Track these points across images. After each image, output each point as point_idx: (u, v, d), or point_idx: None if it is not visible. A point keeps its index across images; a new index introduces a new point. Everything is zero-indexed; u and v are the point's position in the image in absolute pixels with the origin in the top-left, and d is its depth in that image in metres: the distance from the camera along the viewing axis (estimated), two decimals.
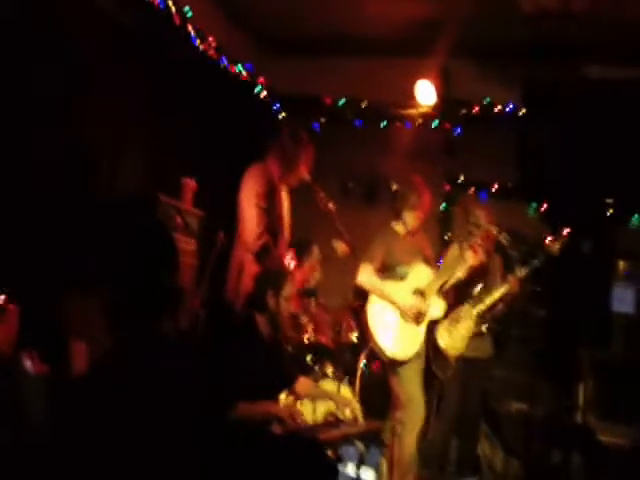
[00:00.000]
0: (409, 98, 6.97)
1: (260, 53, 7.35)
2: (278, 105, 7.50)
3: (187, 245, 5.42)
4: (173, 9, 5.66)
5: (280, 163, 4.91)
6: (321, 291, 6.19)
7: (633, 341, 6.56)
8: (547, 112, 6.69)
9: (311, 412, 5.03)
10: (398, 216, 5.32)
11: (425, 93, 6.85)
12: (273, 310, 4.29)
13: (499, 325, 5.70)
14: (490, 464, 5.91)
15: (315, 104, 7.47)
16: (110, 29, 5.13)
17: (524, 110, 6.86)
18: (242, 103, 6.90)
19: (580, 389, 6.16)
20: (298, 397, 4.64)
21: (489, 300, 5.30)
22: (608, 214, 6.69)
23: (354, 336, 5.91)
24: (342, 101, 7.41)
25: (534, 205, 6.88)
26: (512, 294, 5.31)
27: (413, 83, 6.87)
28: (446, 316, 5.31)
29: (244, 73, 6.89)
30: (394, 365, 5.15)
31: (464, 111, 7.10)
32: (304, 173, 4.99)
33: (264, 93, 7.27)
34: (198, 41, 6.04)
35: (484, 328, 5.35)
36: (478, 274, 5.38)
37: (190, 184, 5.67)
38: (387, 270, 5.20)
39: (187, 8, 5.81)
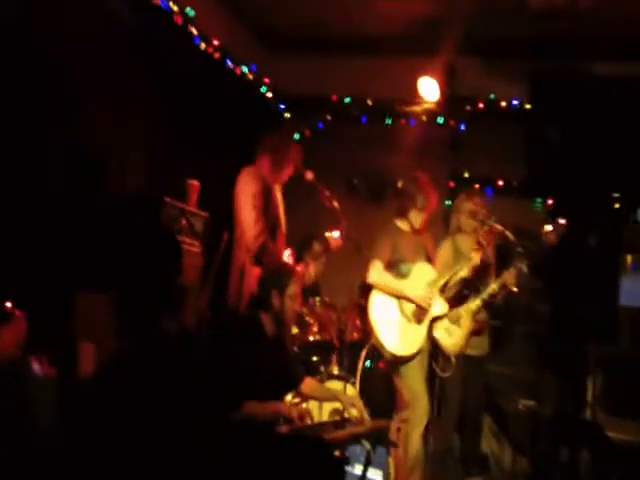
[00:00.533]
0: (414, 95, 6.97)
1: (264, 52, 7.36)
2: (283, 105, 7.51)
3: (192, 247, 5.44)
4: (175, 9, 5.67)
5: (270, 161, 4.96)
6: (326, 289, 6.21)
7: None
8: (552, 108, 6.68)
9: (317, 412, 5.05)
10: (404, 215, 5.31)
11: (429, 90, 6.84)
12: (278, 309, 4.30)
13: (506, 321, 5.71)
14: (498, 462, 5.92)
15: (320, 102, 7.48)
16: (114, 30, 5.14)
17: (529, 106, 6.85)
18: (247, 104, 6.90)
19: (588, 385, 6.14)
20: (304, 397, 4.65)
21: (486, 295, 5.29)
22: (614, 208, 6.68)
23: (360, 335, 5.92)
24: (348, 99, 7.42)
25: (539, 201, 6.88)
26: (508, 288, 5.29)
27: (418, 80, 6.86)
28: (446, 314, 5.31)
29: (249, 74, 6.89)
30: (397, 363, 5.16)
31: (469, 107, 7.09)
32: (296, 171, 5.05)
33: (269, 94, 7.28)
34: (202, 43, 6.05)
35: (478, 325, 5.35)
36: (477, 273, 5.38)
37: (195, 186, 5.69)
38: (391, 267, 5.20)
39: (190, 10, 5.82)
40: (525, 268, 5.27)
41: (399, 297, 5.15)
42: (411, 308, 5.17)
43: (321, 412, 5.16)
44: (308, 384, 4.47)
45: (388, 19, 6.60)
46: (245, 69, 6.83)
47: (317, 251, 6.04)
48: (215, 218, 5.67)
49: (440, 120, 7.20)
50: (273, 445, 3.76)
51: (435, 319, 5.19)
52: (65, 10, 4.66)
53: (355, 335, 6.00)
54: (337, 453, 3.98)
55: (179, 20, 5.74)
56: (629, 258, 6.83)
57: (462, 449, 5.56)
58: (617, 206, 6.67)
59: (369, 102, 7.37)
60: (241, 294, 4.73)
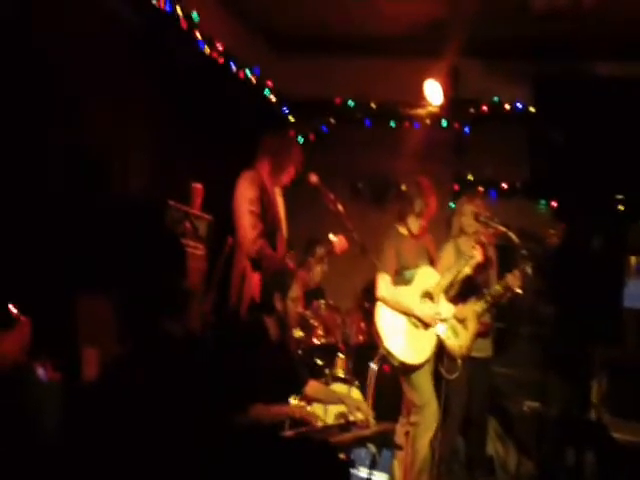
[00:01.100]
0: (418, 98, 6.97)
1: (268, 55, 7.36)
2: (287, 108, 7.52)
3: (196, 250, 5.44)
4: (180, 12, 5.68)
5: (270, 164, 4.95)
6: (330, 292, 6.20)
7: None
8: (556, 110, 6.67)
9: (322, 415, 5.04)
10: (402, 220, 5.33)
11: (433, 93, 6.84)
12: (281, 312, 4.30)
13: (505, 323, 5.70)
14: (503, 464, 5.91)
15: (324, 105, 7.49)
16: (115, 32, 5.13)
17: (533, 108, 6.85)
18: (251, 107, 6.91)
19: (593, 386, 6.13)
20: (309, 400, 4.65)
21: (489, 297, 5.29)
22: (619, 210, 6.67)
23: (364, 338, 5.92)
24: (351, 102, 7.42)
25: (543, 203, 6.88)
26: (512, 290, 5.29)
27: (422, 83, 6.87)
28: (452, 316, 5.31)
29: (252, 77, 6.89)
30: (406, 370, 5.15)
31: (473, 110, 7.09)
32: (297, 174, 5.05)
33: (273, 97, 7.28)
34: (206, 47, 6.06)
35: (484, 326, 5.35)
36: (480, 272, 5.38)
37: (199, 189, 5.69)
38: (395, 274, 5.21)
39: (195, 14, 5.83)
40: (529, 270, 5.27)
41: (407, 314, 5.17)
42: None
43: (326, 415, 5.15)
44: (313, 387, 4.47)
45: (391, 21, 6.60)
46: (248, 72, 6.84)
47: (320, 254, 6.04)
48: (219, 221, 5.66)
49: (444, 123, 7.20)
50: (278, 448, 3.75)
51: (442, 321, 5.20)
52: (65, 10, 4.65)
53: (360, 338, 6.00)
54: (342, 456, 3.97)
55: (183, 23, 5.74)
56: (633, 260, 6.82)
57: (467, 452, 5.56)
58: (621, 208, 6.66)
59: (373, 105, 7.37)
60: (242, 297, 4.74)
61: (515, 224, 5.43)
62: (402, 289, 5.19)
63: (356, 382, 5.54)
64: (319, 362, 5.64)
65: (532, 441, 5.88)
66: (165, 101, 5.76)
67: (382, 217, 6.45)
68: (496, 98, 7.03)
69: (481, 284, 5.41)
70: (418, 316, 5.14)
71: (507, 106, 7.01)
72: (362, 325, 5.98)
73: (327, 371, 5.59)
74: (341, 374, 5.62)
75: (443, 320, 5.17)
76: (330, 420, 5.11)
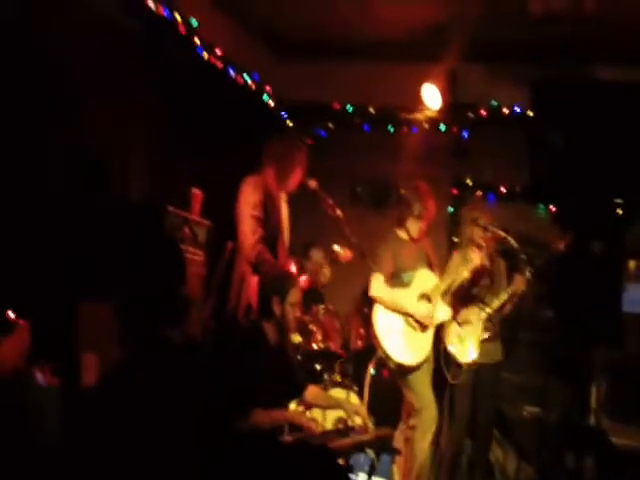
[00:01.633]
0: (417, 102, 6.97)
1: (267, 59, 7.36)
2: (285, 113, 7.52)
3: (195, 256, 5.44)
4: (179, 18, 5.68)
5: (276, 170, 4.95)
6: (330, 297, 6.20)
7: None
8: (555, 113, 6.68)
9: (321, 420, 5.04)
10: (401, 224, 5.33)
11: (431, 97, 6.84)
12: (279, 317, 4.30)
13: (509, 328, 5.70)
14: (503, 470, 5.89)
15: (323, 110, 7.49)
16: (115, 39, 5.13)
17: (532, 112, 6.85)
18: (250, 112, 6.90)
19: (593, 391, 6.13)
20: (308, 405, 4.65)
21: (496, 303, 5.31)
22: (618, 214, 6.67)
23: (363, 343, 5.91)
24: (350, 107, 7.42)
25: (543, 207, 6.88)
26: (519, 295, 5.31)
27: (420, 87, 6.87)
28: (455, 321, 5.32)
29: (251, 82, 6.90)
30: (403, 372, 5.15)
31: (471, 114, 7.10)
32: (303, 179, 5.04)
33: (271, 102, 7.28)
34: (205, 52, 6.06)
35: (490, 333, 5.34)
36: (483, 277, 5.38)
37: (198, 195, 5.69)
38: (393, 277, 5.21)
39: (194, 20, 5.83)
40: (529, 274, 5.28)
41: (401, 313, 5.17)
42: None
43: (325, 420, 5.15)
44: (311, 392, 4.47)
45: (389, 26, 6.60)
46: (247, 78, 6.84)
47: (316, 259, 6.05)
48: (218, 227, 5.66)
49: (442, 127, 7.20)
50: (277, 453, 3.75)
51: (441, 324, 5.21)
52: (65, 13, 4.65)
53: (359, 343, 5.99)
54: (341, 461, 3.97)
55: (182, 29, 5.74)
56: (632, 264, 6.83)
57: (471, 456, 5.56)
58: (620, 212, 6.66)
59: (371, 110, 7.37)
60: (241, 302, 4.75)
61: (514, 228, 5.43)
62: (400, 291, 5.19)
63: (355, 387, 5.53)
64: (318, 367, 5.64)
65: (532, 446, 5.88)
66: (164, 107, 5.75)
67: (381, 222, 6.45)
68: (495, 102, 7.03)
69: (485, 290, 5.41)
70: (413, 315, 5.13)
71: (506, 110, 7.01)
72: (361, 330, 5.98)
73: (326, 376, 5.59)
74: (340, 379, 5.61)
75: (440, 324, 5.18)
76: (329, 425, 5.11)
